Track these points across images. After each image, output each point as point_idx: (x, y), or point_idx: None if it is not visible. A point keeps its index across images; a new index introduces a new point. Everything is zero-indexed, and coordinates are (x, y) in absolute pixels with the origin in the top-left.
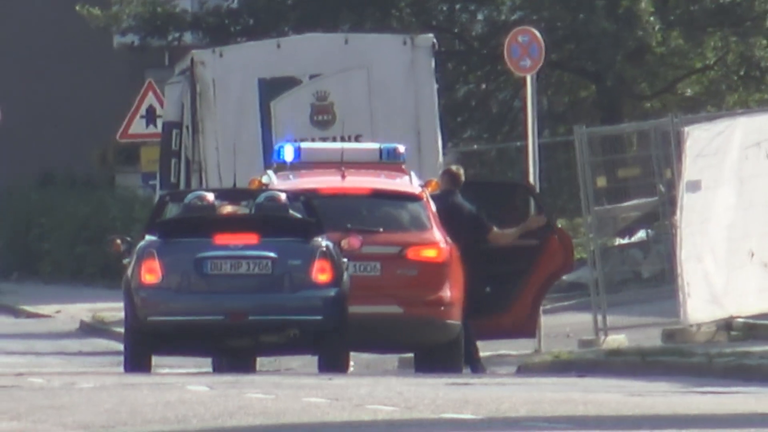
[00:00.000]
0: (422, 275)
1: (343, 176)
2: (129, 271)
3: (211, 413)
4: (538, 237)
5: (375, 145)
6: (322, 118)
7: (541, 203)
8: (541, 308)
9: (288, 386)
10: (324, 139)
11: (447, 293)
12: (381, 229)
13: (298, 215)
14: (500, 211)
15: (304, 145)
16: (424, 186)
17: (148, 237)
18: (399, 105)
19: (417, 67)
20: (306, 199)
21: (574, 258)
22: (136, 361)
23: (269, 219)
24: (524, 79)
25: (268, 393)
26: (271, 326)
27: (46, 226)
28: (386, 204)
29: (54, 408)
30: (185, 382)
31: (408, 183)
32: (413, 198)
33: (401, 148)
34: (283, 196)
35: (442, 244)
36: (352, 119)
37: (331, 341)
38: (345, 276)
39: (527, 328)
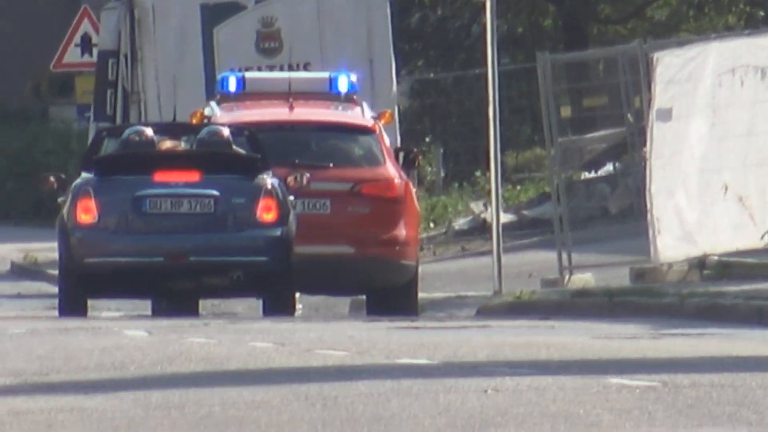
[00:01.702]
0: (375, 213)
1: (291, 108)
2: (64, 211)
3: (149, 359)
4: None
5: (324, 74)
6: (269, 45)
7: None
8: (502, 246)
9: (232, 331)
10: (271, 68)
11: (402, 232)
12: (331, 165)
13: (242, 151)
14: None
15: (248, 74)
16: (377, 118)
17: (84, 174)
18: (350, 31)
19: None
20: (250, 133)
21: None
22: (72, 305)
23: (211, 155)
24: (483, 3)
25: (210, 338)
26: (213, 268)
27: None
28: (337, 137)
29: None
30: (122, 327)
31: (360, 115)
32: (365, 131)
33: (353, 77)
34: (226, 131)
35: (397, 180)
36: (301, 46)
37: (277, 283)
38: (291, 215)
39: None
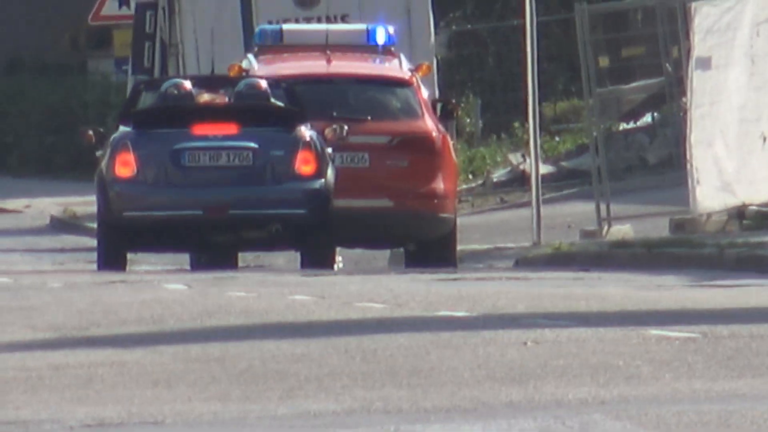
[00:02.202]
0: (413, 166)
1: (329, 61)
2: (102, 164)
3: (189, 313)
4: None
5: (362, 26)
6: None
7: None
8: (541, 198)
9: (272, 284)
10: (308, 20)
11: (440, 185)
12: (369, 118)
13: (280, 103)
14: None
15: (285, 26)
16: (415, 70)
17: (122, 128)
18: None
19: None
20: (288, 86)
21: None
22: (111, 259)
23: (249, 108)
24: None
25: (250, 291)
26: (252, 221)
27: (13, 115)
28: (374, 90)
29: (22, 309)
30: (162, 281)
31: (398, 67)
32: (403, 83)
33: (390, 29)
34: (264, 84)
35: (434, 133)
36: None
37: (316, 237)
38: (330, 168)
39: None
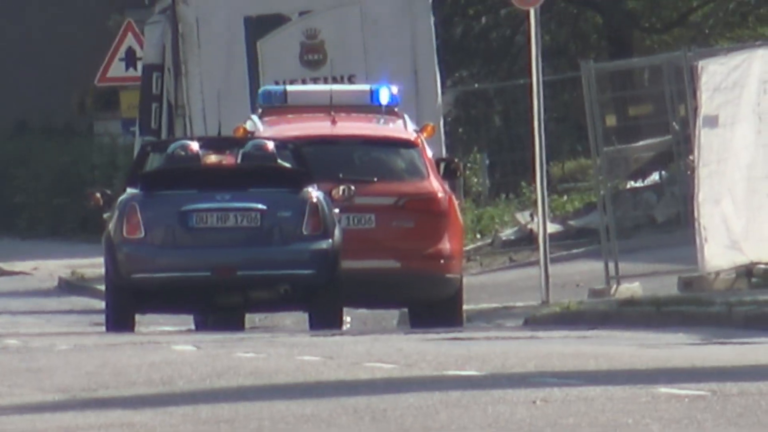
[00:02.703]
0: (420, 227)
1: (334, 122)
2: (110, 226)
3: (198, 374)
4: None
5: (366, 87)
6: (313, 57)
7: None
8: (549, 256)
9: (280, 344)
10: (315, 80)
11: (446, 246)
12: (375, 179)
13: (287, 164)
14: None
15: (290, 87)
16: (420, 131)
17: (129, 190)
18: (394, 42)
19: (412, 2)
20: (295, 146)
21: None
22: (119, 321)
23: (257, 169)
24: (527, 12)
25: (259, 352)
26: (260, 282)
27: (22, 177)
28: (380, 151)
29: (31, 371)
30: (170, 342)
31: (402, 128)
32: (408, 144)
33: (394, 89)
34: (270, 145)
35: (440, 194)
36: (344, 58)
37: (324, 297)
38: (338, 228)
39: None
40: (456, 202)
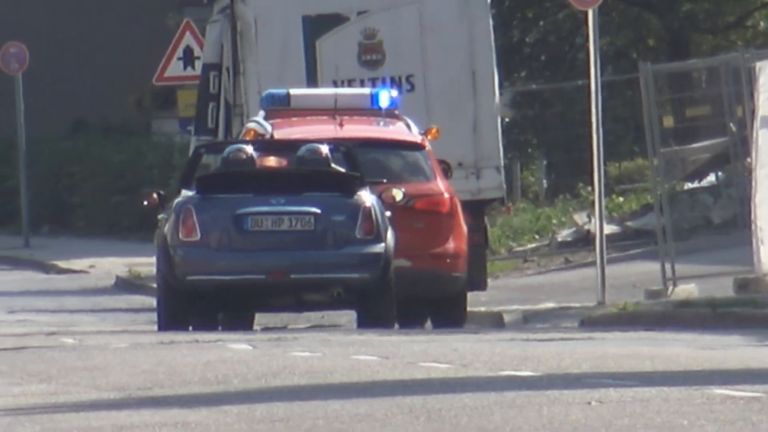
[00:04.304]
0: (428, 227)
1: (341, 124)
2: (166, 228)
3: (254, 373)
4: None
5: (366, 90)
6: (371, 57)
7: None
8: (606, 258)
9: (335, 344)
10: (373, 81)
11: (452, 245)
12: (384, 180)
13: (341, 169)
14: None
15: (293, 91)
16: (425, 134)
17: (184, 192)
18: (452, 43)
19: (471, 2)
20: (347, 149)
21: None
22: (172, 321)
23: (311, 173)
24: (585, 14)
25: (314, 351)
26: (314, 285)
27: (79, 176)
28: (389, 153)
29: (87, 369)
30: (226, 341)
31: (407, 131)
32: (416, 147)
33: (394, 93)
34: (325, 149)
35: (447, 195)
36: (403, 58)
37: (376, 299)
38: (390, 232)
39: None
40: (458, 203)
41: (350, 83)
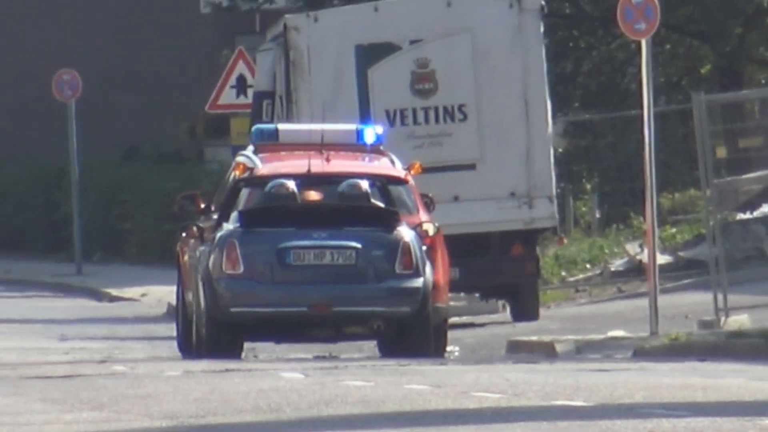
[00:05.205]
0: None
1: (328, 159)
2: (209, 260)
3: (306, 402)
4: None
5: (351, 126)
6: (424, 86)
7: None
8: (658, 288)
9: (388, 372)
10: (425, 110)
11: (437, 276)
12: None
13: (381, 204)
14: None
15: (281, 126)
16: (408, 169)
17: (226, 225)
18: (505, 71)
19: (524, 31)
20: (382, 184)
21: None
22: (216, 351)
23: (352, 208)
24: (639, 44)
25: (366, 380)
26: (355, 318)
27: (131, 203)
28: (373, 188)
29: (139, 397)
30: (278, 369)
31: (391, 166)
32: (400, 181)
33: (378, 129)
34: (365, 184)
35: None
36: (455, 87)
37: (416, 332)
38: (428, 266)
39: None
40: (442, 236)
41: (402, 112)
